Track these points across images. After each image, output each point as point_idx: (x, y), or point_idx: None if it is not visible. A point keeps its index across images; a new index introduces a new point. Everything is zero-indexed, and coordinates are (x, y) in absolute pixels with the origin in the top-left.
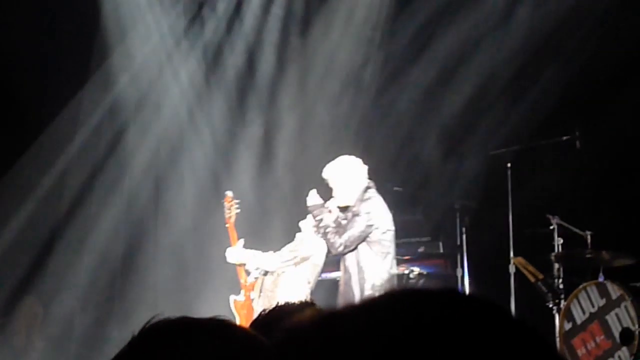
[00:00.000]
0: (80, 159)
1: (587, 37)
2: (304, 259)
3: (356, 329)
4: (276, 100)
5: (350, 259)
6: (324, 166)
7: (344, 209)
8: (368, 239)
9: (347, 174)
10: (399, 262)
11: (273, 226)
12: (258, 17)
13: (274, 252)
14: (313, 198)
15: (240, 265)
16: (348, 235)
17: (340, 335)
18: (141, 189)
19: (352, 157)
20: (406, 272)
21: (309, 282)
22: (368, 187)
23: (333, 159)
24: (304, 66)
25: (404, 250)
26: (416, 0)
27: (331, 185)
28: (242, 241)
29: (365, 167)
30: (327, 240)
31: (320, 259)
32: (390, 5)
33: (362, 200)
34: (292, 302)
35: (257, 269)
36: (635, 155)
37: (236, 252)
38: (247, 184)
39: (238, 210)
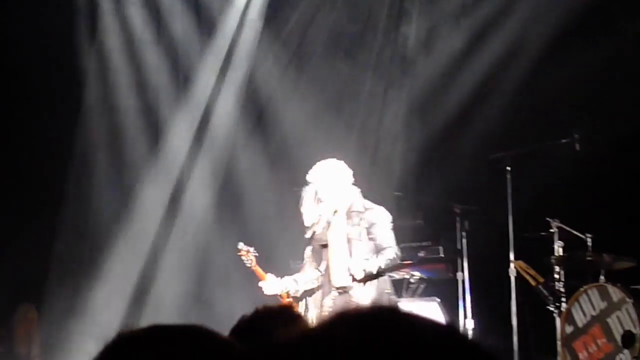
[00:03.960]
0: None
1: (586, 40)
2: None
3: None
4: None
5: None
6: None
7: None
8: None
9: (333, 176)
10: (400, 267)
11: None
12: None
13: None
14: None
15: (282, 294)
16: (391, 243)
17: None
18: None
19: (336, 160)
20: (407, 276)
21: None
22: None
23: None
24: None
25: (405, 255)
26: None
27: (317, 188)
28: (271, 275)
29: (350, 171)
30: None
31: None
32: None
33: (366, 208)
34: (272, 306)
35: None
36: (634, 157)
37: (272, 284)
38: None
39: (256, 254)
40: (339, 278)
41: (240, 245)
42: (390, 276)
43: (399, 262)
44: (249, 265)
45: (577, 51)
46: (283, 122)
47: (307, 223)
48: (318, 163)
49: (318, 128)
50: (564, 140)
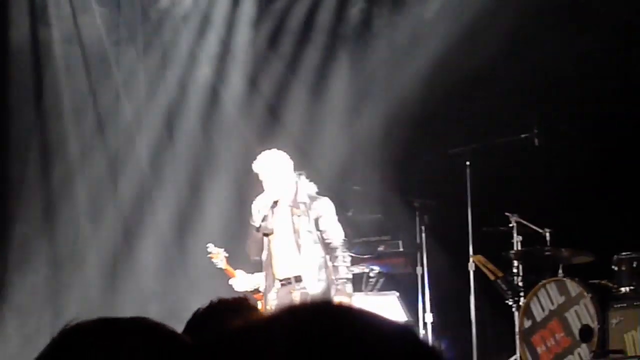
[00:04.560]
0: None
1: (545, 35)
2: None
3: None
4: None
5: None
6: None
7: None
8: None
9: (277, 167)
10: (359, 261)
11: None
12: None
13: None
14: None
15: (253, 291)
16: (340, 237)
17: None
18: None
19: (279, 151)
20: (366, 270)
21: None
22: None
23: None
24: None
25: (364, 249)
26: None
27: (261, 178)
28: (240, 271)
29: (292, 162)
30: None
31: None
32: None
33: (312, 198)
34: (227, 299)
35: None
36: (593, 152)
37: (242, 281)
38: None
39: (226, 255)
40: (283, 269)
41: (210, 247)
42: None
43: (351, 254)
44: (219, 266)
45: (535, 46)
46: (238, 116)
47: (253, 211)
48: (262, 153)
49: (275, 119)
50: (523, 135)
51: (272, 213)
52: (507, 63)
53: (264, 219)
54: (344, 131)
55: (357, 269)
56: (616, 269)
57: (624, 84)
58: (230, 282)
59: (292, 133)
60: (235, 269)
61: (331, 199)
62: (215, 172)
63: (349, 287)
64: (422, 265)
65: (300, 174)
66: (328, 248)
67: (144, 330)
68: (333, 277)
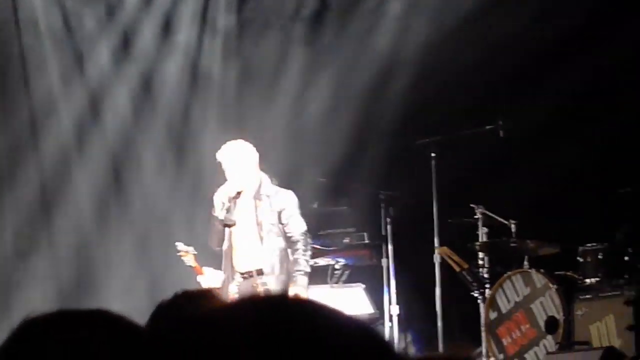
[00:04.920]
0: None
1: (508, 24)
2: None
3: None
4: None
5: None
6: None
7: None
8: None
9: (242, 157)
10: (324, 253)
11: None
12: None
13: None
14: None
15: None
16: (302, 230)
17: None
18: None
19: (243, 141)
20: (332, 263)
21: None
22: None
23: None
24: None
25: (329, 241)
26: None
27: (224, 168)
28: (208, 268)
29: (257, 153)
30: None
31: None
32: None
33: (276, 191)
34: (191, 290)
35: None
36: (557, 144)
37: (210, 277)
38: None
39: (195, 252)
40: (244, 261)
41: (180, 245)
42: (315, 262)
43: (312, 246)
44: (189, 264)
45: (501, 37)
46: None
47: (215, 202)
48: (226, 143)
49: (241, 107)
50: (488, 127)
51: (235, 204)
52: (471, 53)
53: (227, 211)
54: (308, 123)
55: (323, 262)
56: (582, 260)
57: (588, 73)
58: (198, 279)
59: (252, 125)
60: (202, 266)
61: (296, 191)
62: (173, 162)
63: (304, 280)
64: (387, 257)
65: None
66: (289, 241)
67: (103, 323)
68: (293, 270)
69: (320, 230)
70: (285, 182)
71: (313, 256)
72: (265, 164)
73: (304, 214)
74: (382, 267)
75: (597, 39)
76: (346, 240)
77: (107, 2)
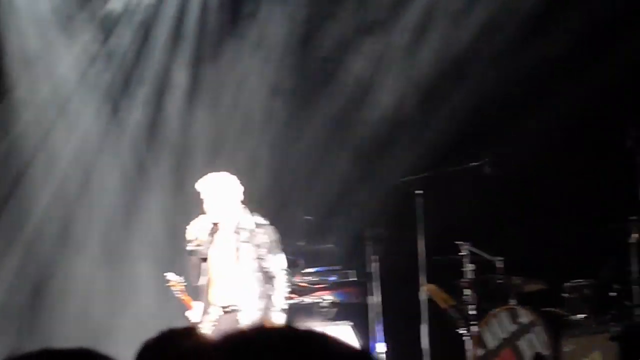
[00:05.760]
0: None
1: (494, 64)
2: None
3: None
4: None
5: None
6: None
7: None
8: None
9: (220, 190)
10: (311, 291)
11: None
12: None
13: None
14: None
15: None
16: (282, 265)
17: None
18: (47, 223)
19: (227, 174)
20: (317, 300)
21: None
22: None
23: (244, 187)
24: (214, 94)
25: (316, 279)
26: (323, 29)
27: (203, 198)
28: (197, 302)
29: (241, 187)
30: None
31: None
32: (297, 33)
33: (257, 224)
34: (177, 328)
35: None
36: (543, 180)
37: (198, 312)
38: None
39: (185, 284)
40: (224, 297)
41: (170, 275)
42: (302, 300)
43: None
44: (178, 295)
45: (486, 73)
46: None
47: (188, 235)
48: (208, 174)
49: (227, 144)
50: (473, 164)
51: (212, 238)
52: (456, 91)
53: (199, 244)
54: (294, 159)
55: (310, 299)
56: (568, 296)
57: (573, 112)
58: (186, 313)
59: (239, 161)
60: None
61: (283, 228)
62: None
63: (281, 317)
64: (373, 294)
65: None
66: (267, 276)
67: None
68: (271, 306)
69: (306, 267)
70: (272, 219)
71: (300, 293)
72: (249, 200)
73: (291, 252)
74: (368, 305)
75: (582, 71)
76: (333, 278)
77: None
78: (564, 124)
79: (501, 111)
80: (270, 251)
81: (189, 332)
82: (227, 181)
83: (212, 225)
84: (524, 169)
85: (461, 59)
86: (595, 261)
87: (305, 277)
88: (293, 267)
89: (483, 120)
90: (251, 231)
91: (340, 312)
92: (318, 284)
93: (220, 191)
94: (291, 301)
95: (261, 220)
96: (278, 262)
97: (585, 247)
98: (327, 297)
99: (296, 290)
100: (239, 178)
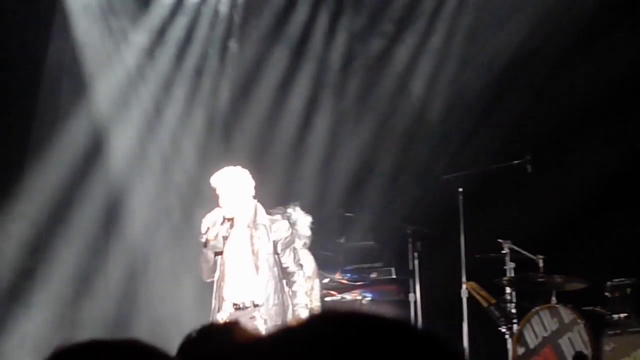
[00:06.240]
0: None
1: (538, 62)
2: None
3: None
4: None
5: None
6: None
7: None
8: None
9: (234, 184)
10: (351, 288)
11: None
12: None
13: None
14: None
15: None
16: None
17: None
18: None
19: (240, 168)
20: (358, 298)
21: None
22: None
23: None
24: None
25: (357, 276)
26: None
27: (218, 193)
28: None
29: (253, 182)
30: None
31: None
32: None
33: (273, 221)
34: (219, 323)
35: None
36: (585, 179)
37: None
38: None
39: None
40: (239, 293)
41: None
42: (342, 297)
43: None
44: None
45: (530, 74)
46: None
47: (202, 227)
48: (223, 168)
49: (265, 143)
50: (515, 162)
51: (227, 233)
52: (500, 90)
53: (215, 237)
54: (336, 158)
55: (350, 296)
56: (609, 295)
57: (614, 112)
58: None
59: (281, 160)
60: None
61: (323, 225)
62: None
63: (305, 314)
64: (414, 292)
65: (295, 205)
66: (285, 272)
67: (136, 353)
68: (289, 303)
69: (347, 265)
70: (313, 216)
71: (340, 291)
72: (289, 195)
73: (331, 249)
74: (409, 302)
75: (624, 74)
76: (373, 275)
77: None
78: (606, 122)
79: (544, 109)
80: (286, 246)
81: (232, 326)
82: (237, 174)
83: (227, 220)
84: (566, 166)
85: (506, 58)
86: (638, 260)
87: (346, 275)
88: (333, 264)
89: (526, 118)
90: (268, 226)
91: (380, 309)
92: (358, 281)
93: (235, 186)
94: (331, 298)
95: (311, 223)
96: (294, 258)
97: (627, 245)
98: (368, 295)
99: (336, 287)
100: (282, 174)
